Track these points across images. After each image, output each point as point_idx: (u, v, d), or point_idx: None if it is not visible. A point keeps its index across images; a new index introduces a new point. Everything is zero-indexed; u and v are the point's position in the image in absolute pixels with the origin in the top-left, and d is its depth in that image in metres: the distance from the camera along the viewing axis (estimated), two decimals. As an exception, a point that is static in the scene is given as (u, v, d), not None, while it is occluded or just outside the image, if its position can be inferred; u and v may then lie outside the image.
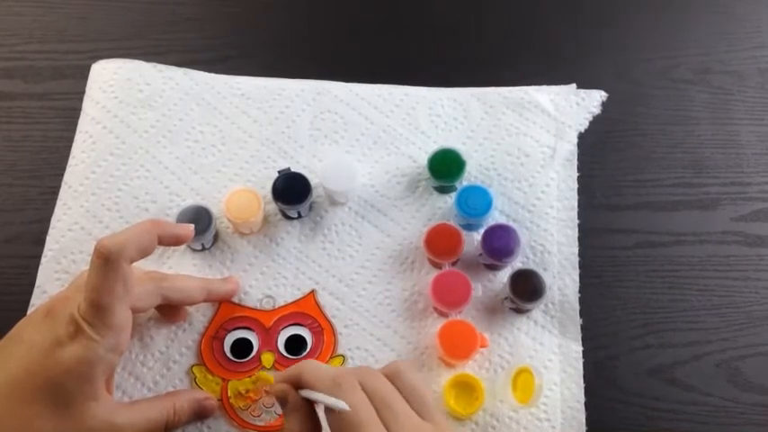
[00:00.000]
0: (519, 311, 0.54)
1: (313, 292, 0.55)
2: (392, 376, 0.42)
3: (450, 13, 0.67)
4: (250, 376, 0.52)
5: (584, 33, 0.66)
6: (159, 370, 0.52)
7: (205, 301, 0.53)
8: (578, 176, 0.58)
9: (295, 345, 0.53)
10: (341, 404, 0.38)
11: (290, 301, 0.54)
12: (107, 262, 0.42)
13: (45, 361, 0.42)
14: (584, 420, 0.51)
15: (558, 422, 0.51)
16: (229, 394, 0.51)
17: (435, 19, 0.67)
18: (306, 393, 0.40)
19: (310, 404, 0.41)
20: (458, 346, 0.50)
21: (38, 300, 0.54)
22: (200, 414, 0.50)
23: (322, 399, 0.39)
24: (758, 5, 0.67)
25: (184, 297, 0.50)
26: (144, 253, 0.45)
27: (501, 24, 0.66)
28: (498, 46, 0.65)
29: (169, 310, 0.53)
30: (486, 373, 0.52)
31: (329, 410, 0.39)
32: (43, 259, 0.55)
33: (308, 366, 0.41)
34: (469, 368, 0.52)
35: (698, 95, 0.63)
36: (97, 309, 0.42)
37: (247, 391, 0.51)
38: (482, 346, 0.51)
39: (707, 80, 0.63)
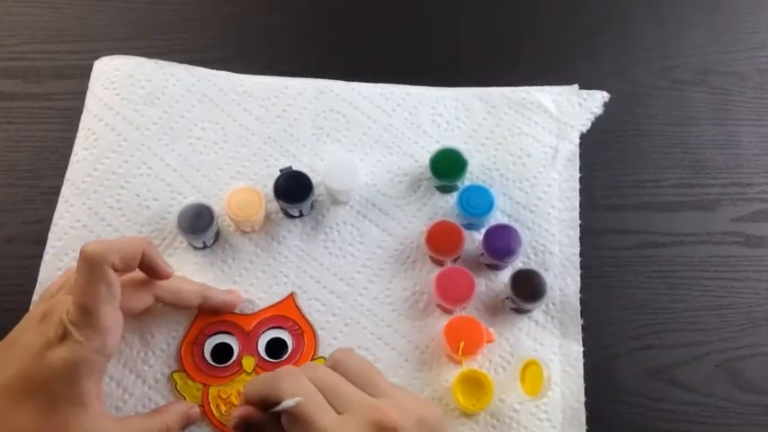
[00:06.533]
0: (520, 311, 0.54)
1: (292, 294, 0.55)
2: (334, 366, 0.42)
3: (452, 12, 0.67)
4: (231, 381, 0.52)
5: (584, 33, 0.66)
6: (160, 368, 0.52)
7: (201, 306, 0.52)
8: (579, 177, 0.59)
9: (276, 348, 0.53)
10: (292, 401, 0.38)
11: (268, 305, 0.54)
12: (90, 265, 0.42)
13: (35, 363, 0.43)
14: (584, 420, 0.51)
15: (558, 422, 0.51)
16: (210, 399, 0.51)
17: (437, 18, 0.67)
18: (273, 410, 0.40)
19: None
20: (465, 341, 0.50)
21: (39, 297, 0.54)
22: (187, 425, 0.50)
23: (280, 407, 0.39)
24: (758, 5, 0.67)
25: (177, 299, 0.51)
26: (127, 262, 0.45)
27: (503, 24, 0.66)
28: (500, 46, 0.65)
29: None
30: (486, 372, 0.52)
31: (285, 416, 0.39)
32: (45, 257, 0.55)
33: (247, 385, 0.42)
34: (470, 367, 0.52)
35: (698, 96, 0.63)
36: (83, 311, 0.42)
37: (228, 397, 0.51)
38: (488, 341, 0.51)
39: (707, 80, 0.63)
